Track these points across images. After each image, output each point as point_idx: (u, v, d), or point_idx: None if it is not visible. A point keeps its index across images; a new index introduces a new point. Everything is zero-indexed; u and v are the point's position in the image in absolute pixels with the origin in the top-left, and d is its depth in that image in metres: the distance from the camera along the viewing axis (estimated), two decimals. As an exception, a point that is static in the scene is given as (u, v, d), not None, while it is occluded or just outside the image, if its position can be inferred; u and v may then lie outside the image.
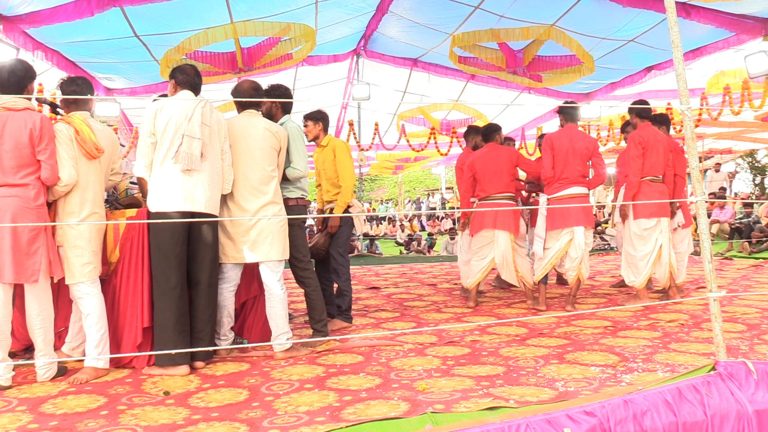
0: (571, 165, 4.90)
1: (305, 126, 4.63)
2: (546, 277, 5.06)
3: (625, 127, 5.87)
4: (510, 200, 5.27)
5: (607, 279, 6.83)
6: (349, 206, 4.56)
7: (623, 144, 6.81)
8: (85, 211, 3.28)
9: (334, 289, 4.71)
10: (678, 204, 5.27)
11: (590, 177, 5.11)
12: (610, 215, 13.31)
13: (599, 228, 12.59)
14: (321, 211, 4.77)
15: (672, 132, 11.08)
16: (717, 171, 15.93)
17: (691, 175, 2.85)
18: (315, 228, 4.80)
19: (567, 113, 5.13)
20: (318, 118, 4.61)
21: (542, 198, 5.09)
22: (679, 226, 5.39)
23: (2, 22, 5.45)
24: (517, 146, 11.28)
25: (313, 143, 4.75)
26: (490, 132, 5.51)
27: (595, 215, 14.17)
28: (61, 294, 3.49)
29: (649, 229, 4.90)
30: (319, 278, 4.43)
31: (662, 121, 5.47)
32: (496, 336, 4.07)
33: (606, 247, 11.64)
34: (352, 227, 4.66)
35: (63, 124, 3.26)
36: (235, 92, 3.82)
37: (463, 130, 6.23)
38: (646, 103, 5.30)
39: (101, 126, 3.52)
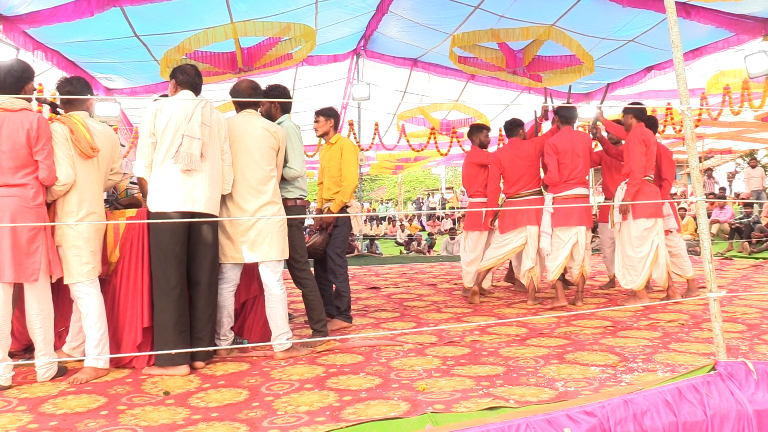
0: (576, 166, 5.05)
1: (316, 121, 4.62)
2: (563, 274, 5.12)
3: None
4: (538, 195, 5.37)
5: (607, 279, 6.82)
6: (347, 206, 4.55)
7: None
8: (83, 211, 3.27)
9: (334, 289, 4.70)
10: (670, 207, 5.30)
11: None
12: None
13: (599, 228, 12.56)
14: (320, 210, 4.76)
15: (672, 132, 11.09)
16: (753, 167, 15.43)
17: (691, 175, 2.85)
18: (314, 228, 4.79)
19: (563, 116, 5.25)
20: (330, 114, 4.60)
21: (548, 197, 5.18)
22: (673, 230, 5.40)
23: (2, 22, 5.45)
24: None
25: (312, 144, 4.75)
26: (512, 127, 5.55)
27: (595, 215, 14.15)
28: (61, 294, 3.49)
29: (648, 230, 4.91)
30: (318, 278, 4.43)
31: (650, 123, 5.44)
32: (496, 336, 4.07)
33: (600, 247, 11.63)
34: (350, 227, 4.66)
35: (58, 124, 3.26)
36: (234, 92, 3.81)
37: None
38: (641, 104, 5.32)
39: (101, 126, 3.51)
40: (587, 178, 5.16)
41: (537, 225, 5.25)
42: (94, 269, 3.31)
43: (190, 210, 3.39)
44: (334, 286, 4.67)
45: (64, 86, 3.41)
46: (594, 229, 12.42)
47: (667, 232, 5.29)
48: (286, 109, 4.18)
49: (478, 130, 5.91)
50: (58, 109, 3.60)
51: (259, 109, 3.93)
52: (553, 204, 5.09)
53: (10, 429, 2.52)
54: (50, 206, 3.26)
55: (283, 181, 3.97)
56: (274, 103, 4.08)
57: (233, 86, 3.86)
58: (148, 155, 3.41)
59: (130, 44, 6.77)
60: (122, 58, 7.31)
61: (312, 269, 4.29)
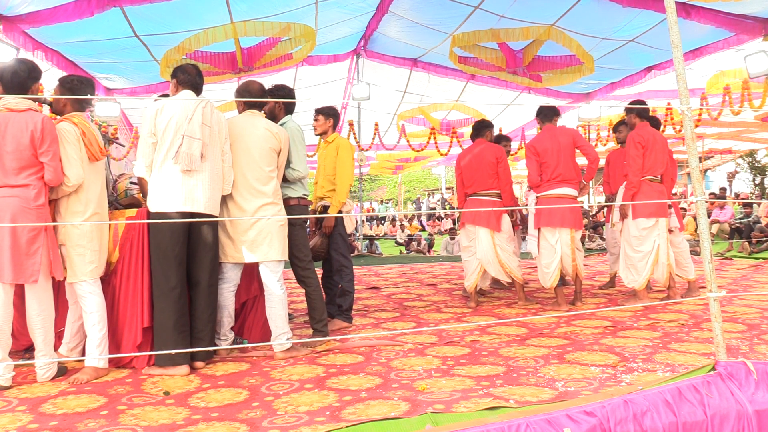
0: (560, 164, 4.95)
1: (315, 120, 4.62)
2: (561, 279, 5.05)
3: (618, 126, 5.87)
4: (495, 197, 5.25)
5: (607, 279, 6.82)
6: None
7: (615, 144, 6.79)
8: (89, 211, 3.29)
9: (339, 288, 4.69)
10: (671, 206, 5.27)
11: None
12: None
13: (600, 229, 12.56)
14: (314, 209, 4.75)
15: (672, 132, 11.10)
16: None
17: (690, 175, 2.85)
18: (311, 228, 4.79)
19: (543, 114, 5.19)
20: (330, 114, 4.61)
21: (531, 196, 5.14)
22: (676, 228, 5.40)
23: (2, 22, 5.45)
24: (516, 146, 11.29)
25: (312, 144, 4.75)
26: (481, 128, 5.50)
27: (594, 215, 14.14)
28: (61, 294, 3.49)
29: (647, 229, 4.91)
30: (324, 279, 4.42)
31: (653, 124, 5.43)
32: (496, 336, 4.07)
33: (606, 247, 11.63)
34: (344, 226, 4.66)
35: (69, 124, 3.26)
36: (246, 93, 3.80)
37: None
38: (644, 103, 5.30)
39: (94, 127, 3.51)
40: (577, 175, 5.03)
41: (484, 226, 5.15)
42: (97, 268, 3.32)
43: (190, 210, 3.39)
44: (339, 285, 4.66)
45: (80, 86, 3.36)
46: (595, 229, 12.45)
47: (669, 231, 5.27)
48: (289, 109, 4.18)
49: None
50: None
51: (262, 109, 3.93)
52: (536, 204, 5.02)
53: (10, 429, 2.52)
54: (51, 205, 3.26)
55: (287, 180, 3.97)
56: (278, 103, 4.08)
57: (243, 86, 3.84)
58: (148, 155, 3.41)
59: (130, 44, 6.77)
60: (122, 58, 7.31)
61: (320, 270, 4.27)
